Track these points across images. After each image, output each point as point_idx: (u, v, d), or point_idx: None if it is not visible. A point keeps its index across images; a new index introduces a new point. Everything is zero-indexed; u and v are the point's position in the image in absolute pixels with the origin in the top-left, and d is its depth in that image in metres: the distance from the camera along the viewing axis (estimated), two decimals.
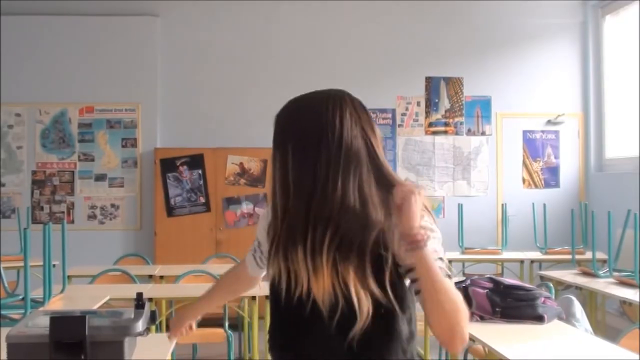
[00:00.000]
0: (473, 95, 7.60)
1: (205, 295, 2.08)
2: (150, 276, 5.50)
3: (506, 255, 6.45)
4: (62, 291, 4.13)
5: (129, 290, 4.16)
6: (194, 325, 2.05)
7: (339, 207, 1.44)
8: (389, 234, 1.44)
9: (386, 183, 1.49)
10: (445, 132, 7.57)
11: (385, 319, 1.45)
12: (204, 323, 5.08)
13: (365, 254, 1.43)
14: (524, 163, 7.63)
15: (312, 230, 1.46)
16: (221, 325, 4.80)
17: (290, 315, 1.54)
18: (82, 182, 7.23)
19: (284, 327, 1.58)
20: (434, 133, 7.56)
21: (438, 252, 1.47)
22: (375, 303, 1.43)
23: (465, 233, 6.53)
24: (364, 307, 1.42)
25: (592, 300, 5.15)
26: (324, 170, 1.46)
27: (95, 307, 3.82)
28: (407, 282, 1.49)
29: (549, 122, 7.63)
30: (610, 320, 6.07)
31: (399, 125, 7.53)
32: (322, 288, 1.45)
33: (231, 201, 7.04)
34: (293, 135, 1.53)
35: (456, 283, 4.08)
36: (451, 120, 7.57)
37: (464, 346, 1.52)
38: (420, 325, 4.40)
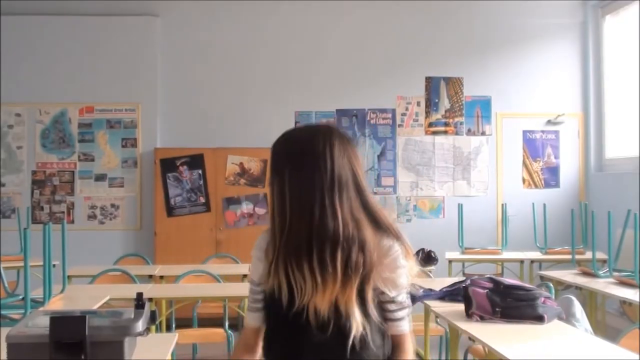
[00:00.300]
0: (473, 95, 7.60)
1: None
2: (150, 276, 5.51)
3: (506, 255, 6.45)
4: (62, 291, 4.13)
5: (129, 290, 4.16)
6: None
7: (342, 231, 1.66)
8: (377, 260, 1.69)
9: (369, 208, 1.73)
10: (445, 132, 7.57)
11: (368, 330, 1.68)
12: (204, 323, 5.12)
13: (364, 274, 1.66)
14: (524, 163, 7.63)
15: (318, 250, 1.65)
16: (221, 325, 4.80)
17: (288, 325, 1.71)
18: (82, 182, 7.23)
19: (281, 335, 1.75)
20: (434, 133, 7.56)
21: (401, 286, 1.74)
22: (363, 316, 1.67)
23: (465, 233, 6.53)
24: (359, 320, 1.66)
25: (592, 300, 5.14)
26: (320, 197, 1.67)
27: (95, 307, 3.82)
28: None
29: (549, 122, 7.63)
30: (610, 320, 6.07)
31: (399, 125, 7.53)
32: (327, 301, 1.65)
33: (231, 201, 7.04)
34: (289, 166, 1.71)
35: (456, 283, 4.09)
36: (451, 120, 7.57)
37: None
38: (419, 325, 4.41)
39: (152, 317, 2.36)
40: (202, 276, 5.08)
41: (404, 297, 1.75)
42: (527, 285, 3.48)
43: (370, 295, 1.68)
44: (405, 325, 1.77)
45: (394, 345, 1.78)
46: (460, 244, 6.48)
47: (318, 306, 1.65)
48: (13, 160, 7.19)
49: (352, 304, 1.65)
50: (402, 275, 1.73)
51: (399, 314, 1.75)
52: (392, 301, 1.73)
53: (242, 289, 4.54)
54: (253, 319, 1.84)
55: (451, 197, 7.49)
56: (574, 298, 3.70)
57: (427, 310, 4.06)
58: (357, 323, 1.65)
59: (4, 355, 2.14)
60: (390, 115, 7.53)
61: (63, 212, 7.19)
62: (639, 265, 4.45)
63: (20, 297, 3.59)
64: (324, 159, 1.68)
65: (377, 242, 1.70)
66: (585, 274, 5.08)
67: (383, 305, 1.73)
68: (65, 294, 4.14)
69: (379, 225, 1.73)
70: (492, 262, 6.63)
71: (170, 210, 7.00)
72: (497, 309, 3.29)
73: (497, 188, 7.56)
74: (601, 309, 5.67)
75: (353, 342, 1.65)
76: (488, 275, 3.66)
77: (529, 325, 3.19)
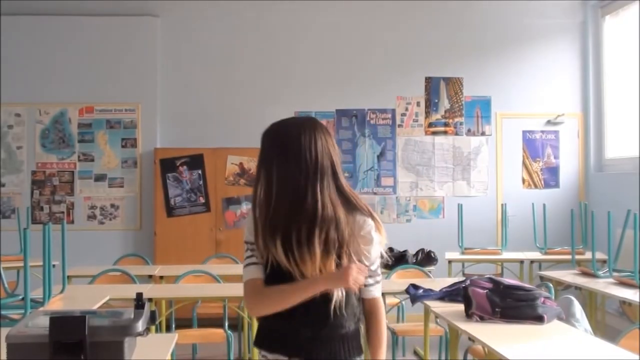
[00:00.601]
0: (473, 95, 7.60)
1: (291, 285, 1.99)
2: (150, 276, 5.51)
3: (506, 255, 6.45)
4: (62, 291, 4.13)
5: (129, 291, 4.17)
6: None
7: (321, 212, 1.91)
8: (349, 237, 1.95)
9: (343, 191, 1.99)
10: (445, 133, 7.57)
11: (346, 295, 1.96)
12: (204, 323, 5.12)
13: (341, 247, 1.93)
14: (524, 163, 7.63)
15: (296, 229, 1.91)
16: (221, 326, 4.80)
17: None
18: (82, 182, 7.23)
19: None
20: (434, 133, 7.56)
21: (374, 256, 2.01)
22: None
23: (465, 233, 6.53)
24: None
25: (591, 301, 5.15)
26: (304, 182, 1.93)
27: (95, 307, 3.83)
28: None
29: (548, 122, 7.63)
30: (610, 321, 6.07)
31: (399, 126, 7.53)
32: (315, 270, 1.91)
33: (231, 201, 7.04)
34: (278, 156, 1.96)
35: (456, 283, 4.10)
36: (451, 121, 7.57)
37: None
38: (419, 325, 4.42)
39: (152, 317, 2.37)
40: (202, 276, 5.08)
41: (375, 267, 2.04)
42: (526, 285, 3.48)
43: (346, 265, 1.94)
44: (377, 291, 2.06)
45: (368, 311, 2.06)
46: (460, 244, 6.48)
47: (306, 274, 1.92)
48: (13, 160, 7.19)
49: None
50: (375, 246, 2.00)
51: (370, 281, 2.02)
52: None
53: (242, 289, 4.54)
54: (260, 272, 2.05)
55: (451, 197, 7.49)
56: (573, 298, 3.71)
57: (427, 311, 4.06)
58: (337, 290, 1.92)
59: (4, 355, 2.14)
60: (390, 116, 7.53)
61: (63, 212, 7.19)
62: (638, 265, 4.45)
63: (20, 297, 3.59)
64: (310, 150, 1.94)
65: (351, 219, 1.96)
66: (585, 274, 5.08)
67: None
68: (65, 294, 4.15)
69: (353, 205, 1.99)
70: (491, 262, 6.63)
71: (170, 211, 7.00)
72: (497, 309, 3.29)
73: (497, 188, 7.56)
74: (601, 309, 5.68)
75: (334, 304, 1.94)
76: (488, 276, 3.66)
77: (528, 326, 3.20)
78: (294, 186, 1.93)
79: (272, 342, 2.03)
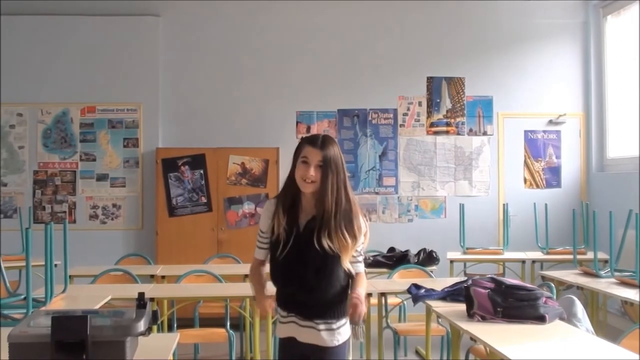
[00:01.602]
0: (474, 95, 7.59)
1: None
2: (152, 276, 5.52)
3: (508, 255, 6.45)
4: (63, 291, 4.14)
5: (131, 290, 4.17)
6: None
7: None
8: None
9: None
10: (447, 132, 7.56)
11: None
12: (206, 323, 5.12)
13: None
14: (526, 163, 7.62)
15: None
16: (223, 326, 4.80)
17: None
18: (84, 182, 7.24)
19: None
20: (436, 133, 7.56)
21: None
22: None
23: (467, 233, 6.53)
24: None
25: (593, 301, 5.15)
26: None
27: (97, 306, 3.83)
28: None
29: (550, 122, 7.62)
30: (612, 321, 6.07)
31: (401, 125, 7.53)
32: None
33: (233, 201, 7.04)
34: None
35: (458, 283, 4.10)
36: (453, 120, 7.57)
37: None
38: (421, 325, 4.43)
39: (154, 317, 2.37)
40: (204, 276, 5.08)
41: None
42: (528, 285, 3.48)
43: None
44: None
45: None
46: (462, 244, 6.48)
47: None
48: (15, 160, 7.20)
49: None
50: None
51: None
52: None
53: (244, 289, 4.54)
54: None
55: (453, 197, 7.49)
56: (575, 298, 3.71)
57: (429, 310, 4.06)
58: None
59: (6, 355, 2.14)
60: (391, 115, 7.53)
61: (65, 212, 7.20)
62: None
63: (22, 296, 3.60)
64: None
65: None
66: (587, 274, 5.08)
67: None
68: (66, 294, 4.15)
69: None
70: (493, 262, 6.63)
71: (172, 210, 7.01)
72: (499, 309, 3.29)
73: (499, 188, 7.55)
74: (603, 309, 5.68)
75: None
76: (489, 276, 3.66)
77: (530, 326, 3.20)
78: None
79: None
